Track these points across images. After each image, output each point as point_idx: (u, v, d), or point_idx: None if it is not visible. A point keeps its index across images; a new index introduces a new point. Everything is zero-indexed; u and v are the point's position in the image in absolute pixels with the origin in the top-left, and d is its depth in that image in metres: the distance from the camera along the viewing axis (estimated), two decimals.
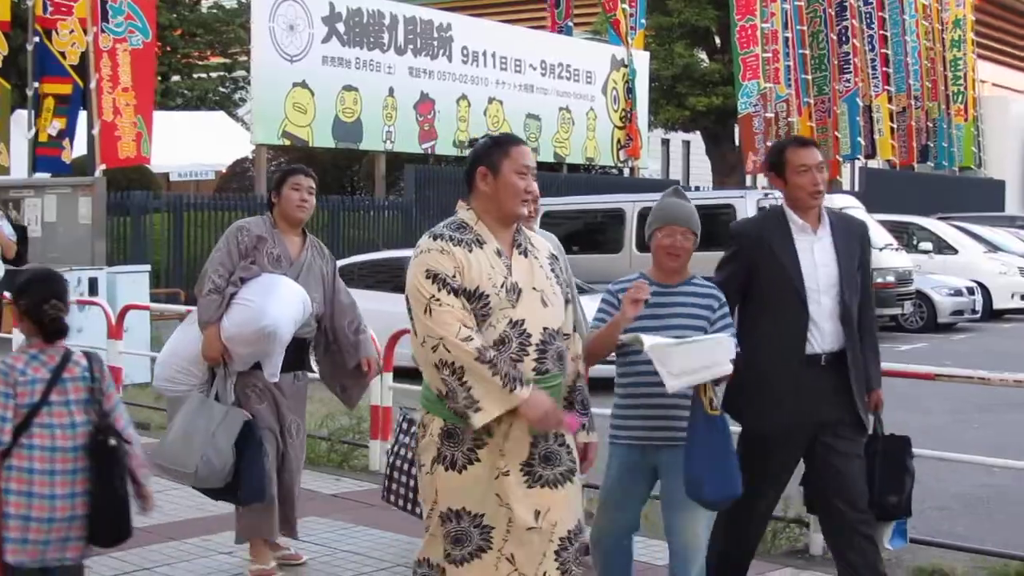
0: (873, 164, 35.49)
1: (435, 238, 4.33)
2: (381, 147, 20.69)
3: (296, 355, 6.24)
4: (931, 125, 40.33)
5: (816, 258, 5.21)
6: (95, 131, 15.29)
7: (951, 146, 41.05)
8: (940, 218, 26.79)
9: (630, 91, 25.69)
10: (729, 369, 4.79)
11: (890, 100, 36.93)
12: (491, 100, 22.47)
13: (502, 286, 4.23)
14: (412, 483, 5.96)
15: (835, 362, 5.24)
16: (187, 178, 25.12)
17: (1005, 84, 49.77)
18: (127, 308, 12.16)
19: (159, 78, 25.13)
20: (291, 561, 6.46)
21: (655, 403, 4.99)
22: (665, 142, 30.58)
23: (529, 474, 4.23)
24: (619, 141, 25.51)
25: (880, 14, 36.30)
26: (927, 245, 24.24)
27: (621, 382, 5.20)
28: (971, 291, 22.70)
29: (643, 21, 27.08)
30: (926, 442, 7.67)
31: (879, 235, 21.68)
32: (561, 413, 4.26)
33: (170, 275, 17.14)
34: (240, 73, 25.05)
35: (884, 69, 36.47)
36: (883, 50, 36.50)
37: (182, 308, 13.54)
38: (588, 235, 18.74)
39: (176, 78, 28.63)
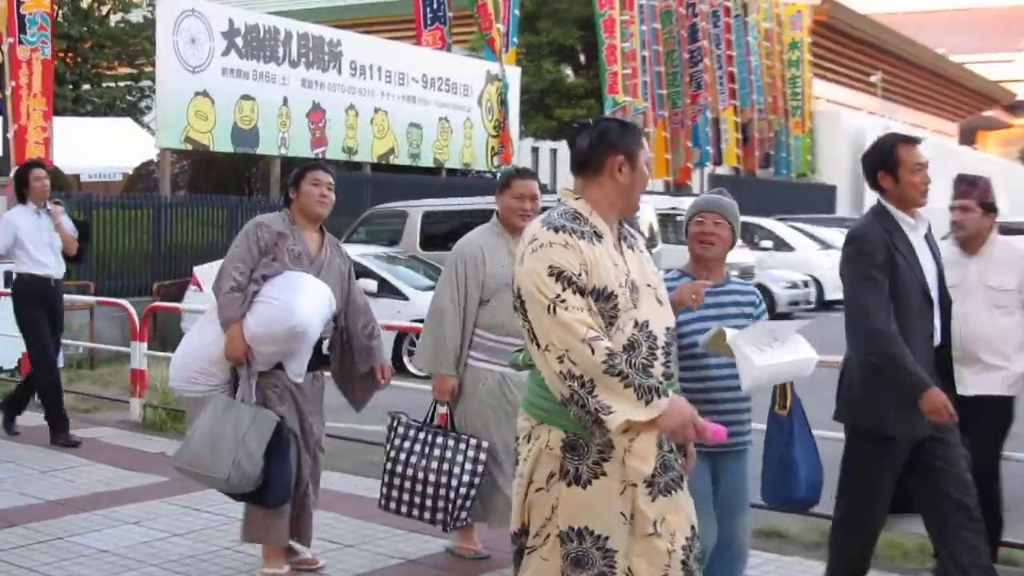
0: (720, 170, 36.04)
1: (556, 229, 3.56)
2: (276, 152, 20.54)
3: (314, 354, 5.65)
4: (772, 136, 41.13)
5: (922, 254, 4.79)
6: (10, 135, 15.08)
7: (789, 155, 41.89)
8: (779, 219, 27.37)
9: (503, 103, 25.80)
10: (810, 371, 4.41)
11: (736, 113, 37.54)
12: (377, 110, 22.43)
13: (625, 284, 3.55)
14: (422, 488, 5.56)
15: (942, 355, 4.90)
16: (97, 179, 24.59)
17: (837, 100, 50.87)
18: None
19: (71, 86, 24.75)
20: (308, 566, 5.85)
21: (722, 408, 4.50)
22: (535, 150, 30.75)
23: (651, 484, 3.57)
24: (493, 148, 25.58)
25: (727, 36, 36.85)
26: (767, 243, 24.76)
27: (683, 387, 4.21)
28: (806, 284, 23.27)
29: (515, 40, 27.15)
30: (763, 417, 8.00)
31: None
32: (703, 421, 3.53)
33: (80, 268, 16.83)
34: (146, 83, 24.62)
35: (731, 86, 37.07)
36: (730, 68, 37.08)
37: (92, 299, 13.43)
38: (465, 232, 18.72)
39: (87, 87, 27.99)
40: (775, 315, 21.81)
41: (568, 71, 35.37)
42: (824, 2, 51.75)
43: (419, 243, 18.17)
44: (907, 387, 4.55)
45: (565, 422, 3.51)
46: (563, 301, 3.42)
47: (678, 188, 32.07)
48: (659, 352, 3.58)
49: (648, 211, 22.49)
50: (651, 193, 22.51)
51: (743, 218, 19.74)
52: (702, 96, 34.95)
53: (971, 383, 5.67)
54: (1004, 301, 5.75)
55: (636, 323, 3.53)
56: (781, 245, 24.97)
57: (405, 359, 13.23)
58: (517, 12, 27.05)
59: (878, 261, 4.67)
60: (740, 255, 21.74)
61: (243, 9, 21.02)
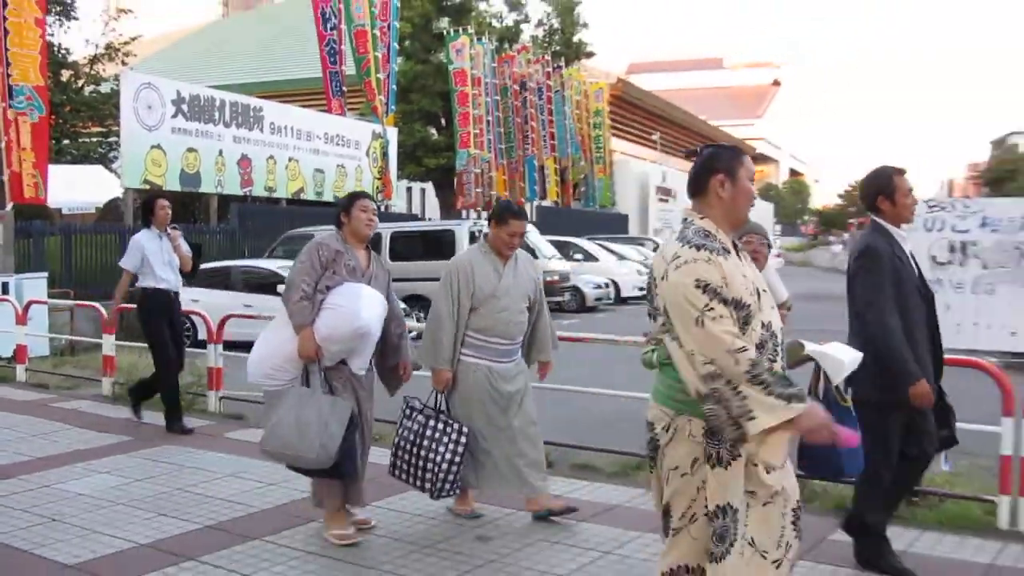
0: (545, 203, 36.52)
1: (696, 247, 3.12)
2: (214, 190, 20.34)
3: None
4: (582, 178, 41.67)
5: (912, 261, 4.60)
6: (4, 177, 14.71)
7: (595, 191, 42.55)
8: (588, 238, 27.87)
9: (385, 154, 25.90)
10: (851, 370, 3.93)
11: (556, 161, 38.00)
12: (290, 159, 22.38)
13: (753, 292, 3.11)
14: (415, 461, 5.28)
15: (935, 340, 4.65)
16: (75, 211, 24.16)
17: (628, 152, 51.95)
18: (30, 303, 12.04)
19: (54, 141, 24.00)
20: (364, 525, 5.42)
21: None
22: (408, 189, 30.84)
23: None
24: (378, 187, 25.65)
25: (549, 106, 37.36)
26: (579, 256, 25.29)
27: None
28: (607, 285, 23.79)
29: (393, 107, 27.26)
30: (580, 382, 8.11)
31: (548, 249, 22.51)
32: (837, 426, 3.16)
33: (61, 280, 16.56)
34: (113, 138, 23.99)
35: (552, 142, 37.52)
36: (551, 129, 37.55)
37: (71, 303, 13.27)
38: None
39: (67, 141, 27.24)
40: (585, 308, 22.46)
41: (432, 130, 35.53)
42: (619, 81, 52.86)
43: None
44: (901, 375, 4.42)
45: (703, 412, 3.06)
46: (711, 310, 3.00)
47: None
48: (779, 350, 3.19)
49: (533, 231, 22.82)
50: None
51: (560, 237, 20.28)
52: (530, 150, 35.44)
53: None
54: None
55: (763, 324, 3.12)
56: (589, 257, 25.44)
57: None
58: (395, 87, 27.19)
59: (886, 268, 4.50)
60: (560, 264, 22.21)
61: (188, 83, 20.74)
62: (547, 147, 37.07)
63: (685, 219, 3.31)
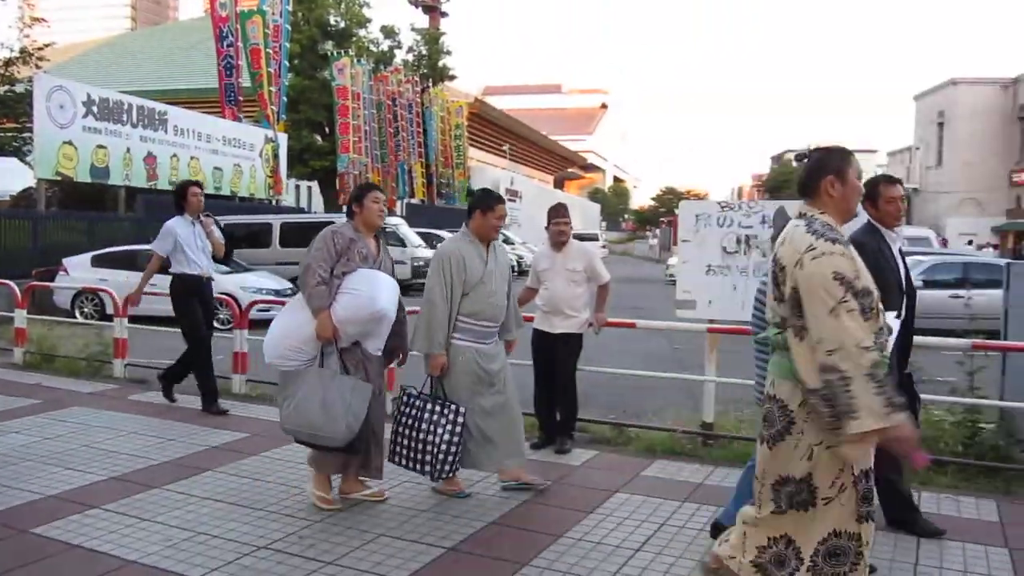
0: (414, 201, 36.21)
1: (832, 241, 2.83)
2: (122, 183, 19.22)
3: None
4: (445, 181, 41.60)
5: (897, 258, 4.20)
6: None
7: (455, 192, 42.55)
8: (449, 230, 27.64)
9: (276, 156, 25.16)
10: None
11: (423, 166, 37.85)
12: (192, 158, 21.43)
13: (870, 282, 2.86)
14: (415, 444, 4.73)
15: (906, 330, 4.34)
16: None
17: (483, 160, 51.97)
18: None
19: None
20: (377, 498, 4.84)
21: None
22: (297, 186, 29.87)
23: None
24: (270, 185, 24.88)
25: (418, 119, 37.09)
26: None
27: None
28: None
29: (284, 116, 26.56)
30: None
31: (415, 239, 22.30)
32: (917, 443, 2.83)
33: None
34: (28, 134, 22.34)
35: (420, 149, 37.33)
36: (420, 139, 37.32)
37: None
38: (252, 237, 18.23)
39: None
40: None
41: (318, 137, 34.77)
42: (476, 101, 52.78)
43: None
44: None
45: None
46: (846, 302, 2.72)
47: (388, 212, 31.93)
48: (887, 339, 2.91)
49: (402, 224, 22.46)
50: None
51: (425, 230, 19.85)
52: (401, 156, 35.13)
53: (559, 326, 5.87)
54: (575, 278, 5.89)
55: (879, 312, 2.85)
56: None
57: None
58: (285, 99, 26.48)
59: (867, 260, 4.17)
60: (423, 252, 22.03)
61: (98, 88, 19.49)
62: (416, 154, 36.87)
63: (804, 213, 3.02)
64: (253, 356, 7.75)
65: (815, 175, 3.05)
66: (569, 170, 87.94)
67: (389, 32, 39.99)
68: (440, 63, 44.38)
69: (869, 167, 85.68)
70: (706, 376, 6.53)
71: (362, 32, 37.56)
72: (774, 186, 73.03)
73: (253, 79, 24.67)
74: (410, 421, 4.77)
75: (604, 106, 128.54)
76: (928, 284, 13.60)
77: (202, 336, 7.11)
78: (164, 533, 4.23)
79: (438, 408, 4.74)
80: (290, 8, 27.47)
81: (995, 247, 40.86)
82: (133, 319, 8.79)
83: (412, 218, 27.62)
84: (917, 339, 6.28)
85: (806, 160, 3.15)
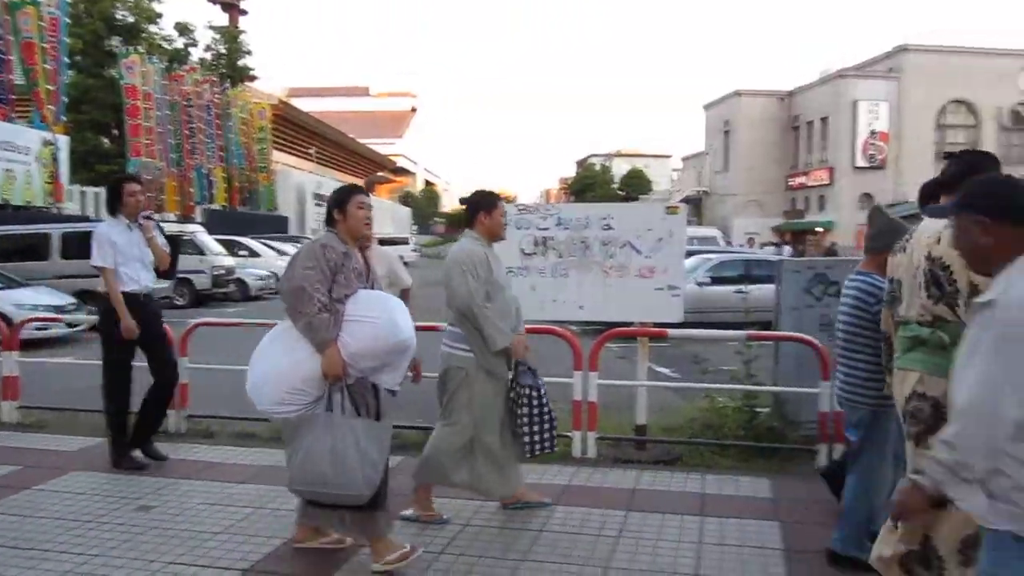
0: (214, 207, 34.65)
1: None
2: None
3: None
4: (250, 185, 40.17)
5: None
6: None
7: (260, 197, 41.15)
8: (253, 237, 26.78)
9: (55, 160, 23.21)
10: None
11: (224, 171, 36.39)
12: None
13: None
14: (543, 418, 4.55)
15: None
16: None
17: (289, 163, 50.48)
18: None
19: None
20: (339, 545, 4.19)
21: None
22: (83, 192, 27.68)
23: None
24: (49, 191, 22.99)
25: (217, 121, 35.64)
26: (244, 252, 24.22)
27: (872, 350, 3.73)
28: (269, 277, 22.99)
29: (63, 117, 24.58)
30: (243, 361, 7.02)
31: (215, 247, 21.36)
32: None
33: None
34: None
35: (220, 153, 35.90)
36: (220, 142, 35.90)
37: None
38: (27, 249, 16.75)
39: None
40: (249, 297, 21.62)
41: (105, 139, 32.57)
42: (280, 103, 51.30)
43: None
44: None
45: None
46: None
47: (185, 218, 30.33)
48: None
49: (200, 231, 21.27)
50: (167, 221, 21.22)
51: (227, 237, 18.95)
52: (197, 159, 33.58)
53: None
54: (377, 282, 5.97)
55: None
56: (253, 253, 24.55)
57: None
58: (65, 98, 24.55)
59: None
60: (224, 260, 21.25)
61: None
62: (215, 157, 35.37)
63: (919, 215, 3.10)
64: (29, 380, 7.10)
65: (965, 175, 2.96)
66: (379, 173, 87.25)
67: (183, 29, 38.09)
68: (240, 62, 42.76)
69: (665, 171, 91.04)
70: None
71: (153, 28, 35.57)
72: (579, 189, 76.05)
73: (27, 76, 22.71)
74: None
75: (413, 109, 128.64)
76: (715, 280, 14.62)
77: (123, 383, 5.65)
78: None
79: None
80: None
81: (777, 245, 44.48)
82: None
83: (213, 225, 26.38)
84: (702, 332, 6.78)
85: (957, 156, 3.20)
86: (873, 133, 49.62)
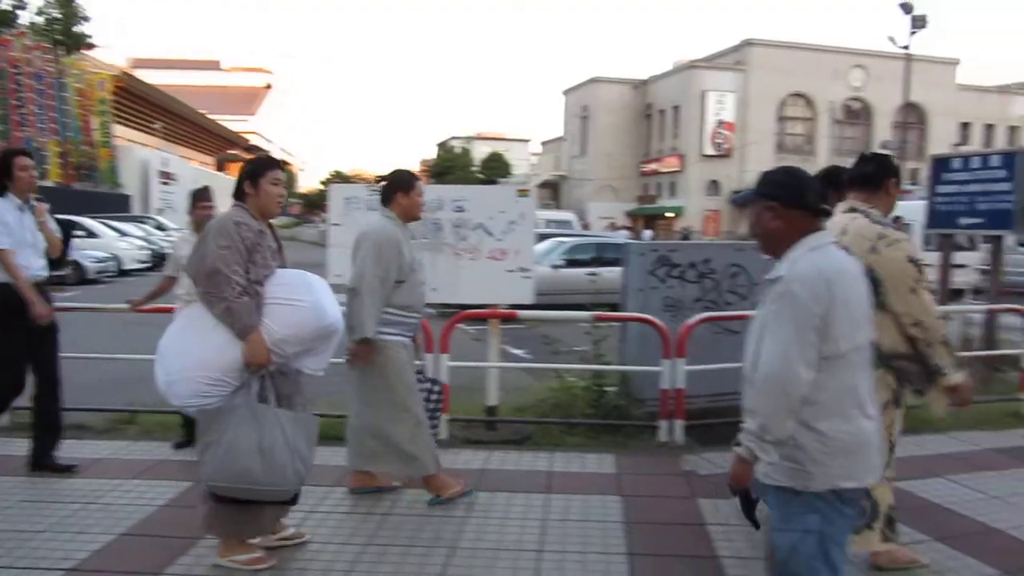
0: (47, 184, 32.36)
1: (892, 226, 3.40)
2: None
3: None
4: (89, 161, 37.76)
5: None
6: None
7: (101, 174, 38.77)
8: (91, 217, 25.20)
9: None
10: None
11: (59, 144, 34.04)
12: None
13: None
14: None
15: None
16: None
17: (132, 139, 47.63)
18: None
19: None
20: (298, 539, 4.01)
21: None
22: None
23: None
24: None
25: (50, 91, 33.29)
26: (81, 232, 22.67)
27: None
28: (109, 260, 21.76)
29: None
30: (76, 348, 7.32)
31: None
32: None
33: None
34: None
35: (52, 125, 33.52)
36: (52, 114, 33.51)
37: None
38: None
39: None
40: (86, 281, 20.31)
41: None
42: (124, 73, 48.39)
43: None
44: None
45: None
46: (920, 281, 3.27)
47: None
48: None
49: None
50: None
51: (64, 216, 17.40)
52: (25, 132, 31.29)
53: None
54: None
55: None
56: (92, 235, 23.08)
57: None
58: None
59: None
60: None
61: None
62: (48, 130, 33.01)
63: (856, 208, 3.47)
64: None
65: (884, 175, 3.52)
66: (231, 152, 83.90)
67: None
68: (76, 28, 39.92)
69: (524, 155, 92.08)
70: None
71: None
72: (440, 171, 75.79)
73: None
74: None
75: (268, 86, 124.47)
76: (569, 263, 14.93)
77: (17, 377, 5.03)
78: None
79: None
80: None
81: (631, 229, 45.89)
82: None
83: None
84: (551, 313, 6.91)
85: (872, 158, 3.57)
86: (720, 123, 51.94)
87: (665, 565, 3.87)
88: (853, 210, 3.50)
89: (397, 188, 4.55)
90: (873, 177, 3.53)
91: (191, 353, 3.49)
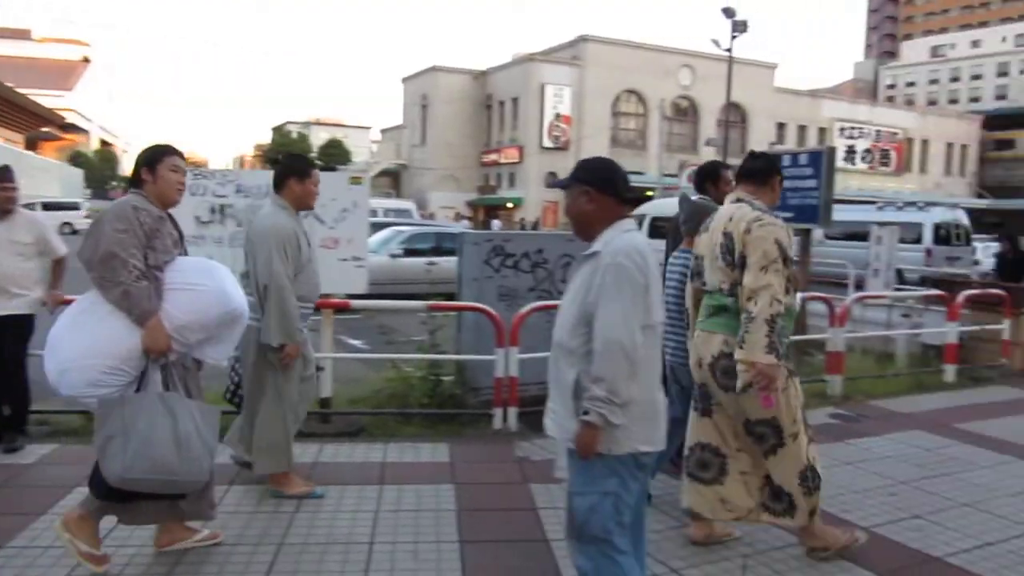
0: None
1: (775, 216, 3.61)
2: None
3: None
4: None
5: None
6: None
7: None
8: None
9: None
10: None
11: None
12: None
13: None
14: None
15: None
16: None
17: None
18: None
19: None
20: (213, 540, 3.85)
21: None
22: None
23: None
24: None
25: None
26: None
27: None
28: None
29: None
30: None
31: None
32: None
33: None
34: None
35: None
36: None
37: None
38: None
39: None
40: None
41: None
42: None
43: None
44: None
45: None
46: (775, 263, 3.45)
47: None
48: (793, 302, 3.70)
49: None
50: None
51: None
52: None
53: (5, 306, 5.19)
54: (24, 251, 5.27)
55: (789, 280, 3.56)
56: None
57: None
58: None
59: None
60: None
61: None
62: None
63: (741, 198, 3.71)
64: None
65: (770, 171, 3.79)
66: (44, 130, 77.69)
67: None
68: None
69: (364, 142, 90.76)
70: None
71: None
72: (275, 157, 73.45)
73: None
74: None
75: (86, 59, 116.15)
76: (408, 252, 14.87)
77: None
78: None
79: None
80: None
81: (470, 219, 46.18)
82: None
83: None
84: (384, 303, 6.85)
85: (760, 156, 3.86)
86: (558, 116, 53.11)
87: (496, 550, 3.93)
88: (740, 200, 3.76)
89: (290, 174, 4.46)
90: (760, 173, 3.82)
91: (86, 341, 3.32)
